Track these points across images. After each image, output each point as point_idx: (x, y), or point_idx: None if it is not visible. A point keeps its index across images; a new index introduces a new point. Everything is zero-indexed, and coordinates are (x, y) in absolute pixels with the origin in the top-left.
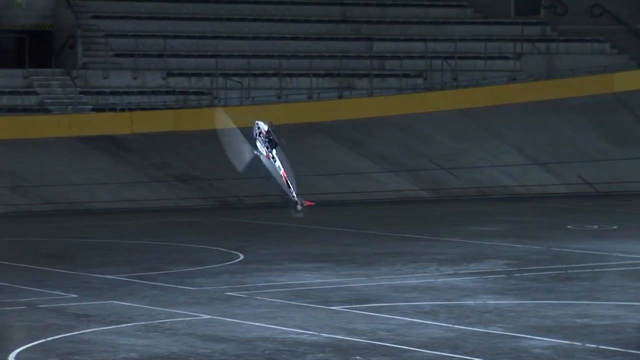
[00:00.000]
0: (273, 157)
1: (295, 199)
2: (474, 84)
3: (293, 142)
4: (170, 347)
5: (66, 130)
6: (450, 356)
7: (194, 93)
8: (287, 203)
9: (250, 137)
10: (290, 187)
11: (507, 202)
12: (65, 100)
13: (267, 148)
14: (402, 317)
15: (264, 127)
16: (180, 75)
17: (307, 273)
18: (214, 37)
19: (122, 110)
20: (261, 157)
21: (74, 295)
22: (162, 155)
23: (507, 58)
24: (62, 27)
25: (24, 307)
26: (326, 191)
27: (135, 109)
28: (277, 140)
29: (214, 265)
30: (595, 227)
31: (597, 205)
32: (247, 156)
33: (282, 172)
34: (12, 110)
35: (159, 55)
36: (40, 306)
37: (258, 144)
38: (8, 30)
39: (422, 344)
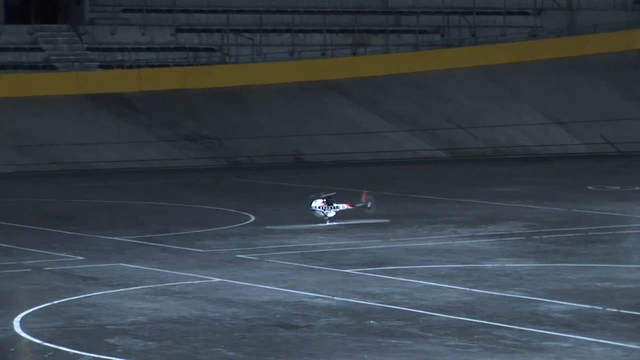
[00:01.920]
0: (336, 207)
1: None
2: (492, 41)
3: (306, 100)
4: (180, 311)
5: (73, 88)
6: (468, 320)
7: (204, 50)
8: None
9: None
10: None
11: (526, 162)
12: (72, 57)
13: (330, 206)
14: (418, 280)
15: (319, 202)
16: (189, 31)
17: (320, 235)
18: None
19: (130, 67)
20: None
21: (81, 258)
22: (171, 114)
23: (526, 14)
24: None
25: (30, 269)
26: (339, 151)
27: (144, 66)
28: (327, 196)
29: (225, 227)
30: (617, 188)
31: (619, 165)
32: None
33: (346, 206)
34: (17, 67)
35: (168, 11)
36: (47, 269)
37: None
38: None
39: (439, 308)
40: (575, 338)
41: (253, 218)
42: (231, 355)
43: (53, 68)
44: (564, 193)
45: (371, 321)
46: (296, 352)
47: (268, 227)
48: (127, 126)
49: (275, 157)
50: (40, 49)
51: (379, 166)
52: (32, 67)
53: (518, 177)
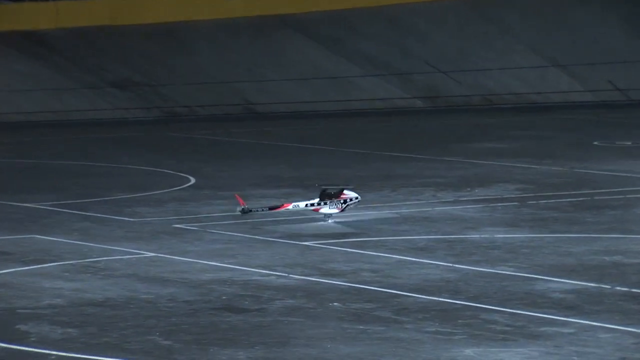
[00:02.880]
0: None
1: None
2: None
3: (257, 39)
4: (106, 292)
5: None
6: (450, 302)
7: None
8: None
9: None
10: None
11: (521, 113)
12: None
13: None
14: (391, 254)
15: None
16: None
17: (274, 200)
18: None
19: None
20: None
21: None
22: (96, 56)
23: None
24: None
25: None
26: (298, 99)
27: None
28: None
29: (160, 192)
30: (628, 143)
31: (630, 116)
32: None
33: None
34: None
35: None
36: None
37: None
38: None
39: (416, 288)
40: (578, 322)
41: (193, 180)
42: (167, 344)
43: None
44: (565, 150)
45: (335, 303)
46: (245, 341)
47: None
48: (42, 70)
49: (220, 107)
50: None
51: (345, 118)
52: None
53: (511, 130)
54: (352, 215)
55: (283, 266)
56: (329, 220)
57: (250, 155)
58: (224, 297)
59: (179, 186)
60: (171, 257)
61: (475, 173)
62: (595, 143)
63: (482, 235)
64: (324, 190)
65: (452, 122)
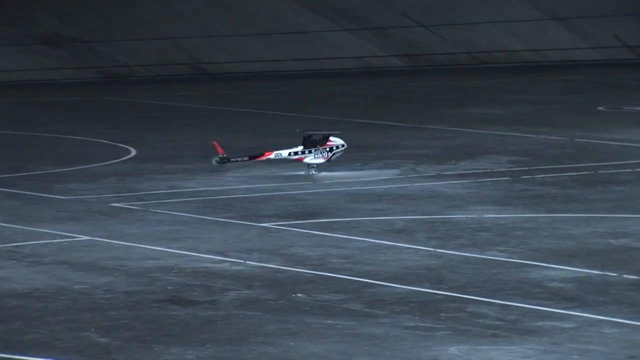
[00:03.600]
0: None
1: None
2: None
3: None
4: (33, 282)
5: None
6: (432, 292)
7: None
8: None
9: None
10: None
11: (515, 73)
12: None
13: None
14: (364, 237)
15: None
16: None
17: (227, 175)
18: None
19: None
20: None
21: None
22: (21, 7)
23: None
24: None
25: None
26: (256, 58)
27: None
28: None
29: (95, 165)
30: (638, 109)
31: None
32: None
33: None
34: None
35: None
36: None
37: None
38: None
39: (392, 276)
40: (580, 316)
41: (134, 152)
42: (104, 342)
43: None
44: (566, 116)
45: (299, 294)
46: (195, 338)
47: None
48: None
49: (166, 67)
50: None
51: (311, 79)
52: None
53: (503, 93)
54: (318, 193)
55: (238, 251)
56: (312, 172)
57: (201, 122)
58: (169, 288)
59: (118, 158)
60: (108, 240)
61: (461, 143)
62: (600, 108)
63: (469, 215)
64: (308, 137)
65: (435, 84)
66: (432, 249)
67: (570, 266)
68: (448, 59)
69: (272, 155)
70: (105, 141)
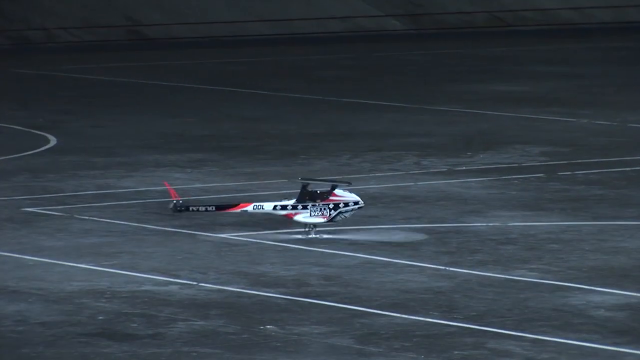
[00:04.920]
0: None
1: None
2: None
3: None
4: None
5: None
6: (442, 324)
7: None
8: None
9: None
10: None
11: (549, 38)
12: None
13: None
14: (353, 252)
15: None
16: None
17: (174, 170)
18: None
19: None
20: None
21: None
22: None
23: None
24: None
25: None
26: (212, 19)
27: None
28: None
29: (3, 158)
30: None
31: None
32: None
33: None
34: None
35: None
36: None
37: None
38: None
39: (391, 303)
40: (635, 354)
41: (53, 141)
42: None
43: None
44: (616, 94)
45: (268, 326)
46: None
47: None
48: None
49: (94, 31)
50: None
51: (284, 46)
52: None
53: (533, 65)
54: (292, 195)
55: (189, 270)
56: (313, 234)
57: (139, 102)
58: (100, 318)
59: (32, 150)
60: (20, 256)
61: (478, 129)
62: None
63: (490, 224)
64: (304, 186)
65: (445, 53)
66: (443, 268)
67: (622, 289)
68: (462, 20)
69: (250, 208)
70: (16, 127)
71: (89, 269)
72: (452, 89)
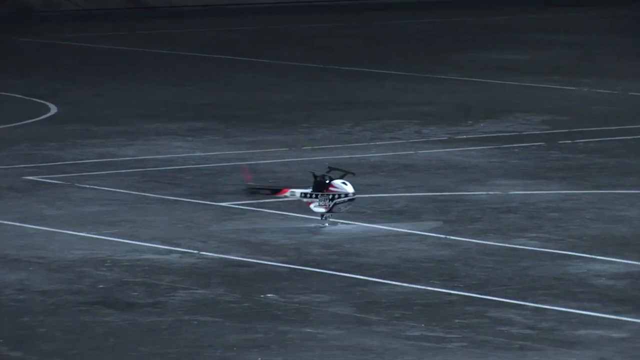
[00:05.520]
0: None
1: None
2: None
3: None
4: None
5: None
6: (443, 293)
7: None
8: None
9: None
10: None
11: (550, 6)
12: None
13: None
14: (354, 220)
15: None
16: None
17: (175, 140)
18: None
19: None
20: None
21: None
22: None
23: None
24: None
25: None
26: None
27: None
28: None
29: (3, 126)
30: None
31: None
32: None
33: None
34: None
35: None
36: None
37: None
38: None
39: (391, 271)
40: (635, 323)
41: (54, 109)
42: (16, 356)
43: None
44: (617, 62)
45: (269, 295)
46: (133, 351)
47: None
48: None
49: None
50: None
51: (283, 14)
52: None
53: (534, 32)
54: (293, 163)
55: (190, 238)
56: (326, 224)
57: (140, 70)
58: (100, 286)
59: (33, 118)
60: (20, 225)
61: (480, 98)
62: None
63: (491, 192)
64: (326, 173)
65: (445, 20)
66: (443, 236)
67: (622, 258)
68: None
69: (288, 193)
70: (16, 95)
71: (90, 237)
72: (453, 57)
